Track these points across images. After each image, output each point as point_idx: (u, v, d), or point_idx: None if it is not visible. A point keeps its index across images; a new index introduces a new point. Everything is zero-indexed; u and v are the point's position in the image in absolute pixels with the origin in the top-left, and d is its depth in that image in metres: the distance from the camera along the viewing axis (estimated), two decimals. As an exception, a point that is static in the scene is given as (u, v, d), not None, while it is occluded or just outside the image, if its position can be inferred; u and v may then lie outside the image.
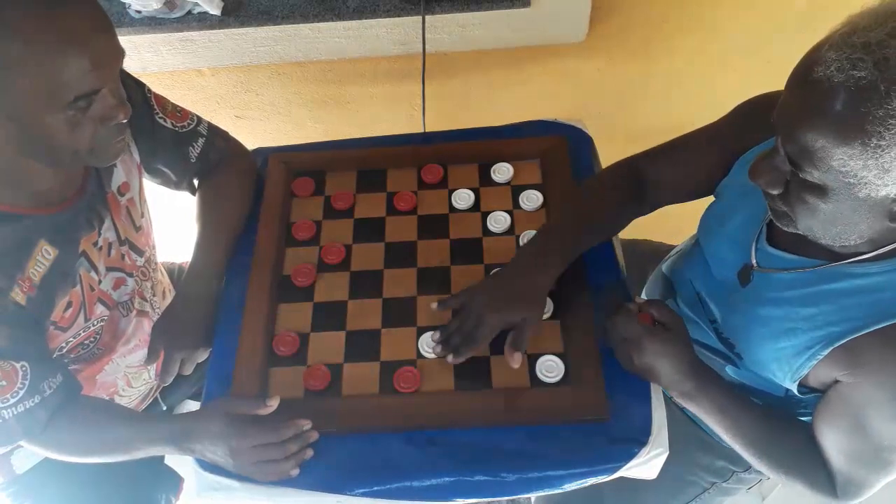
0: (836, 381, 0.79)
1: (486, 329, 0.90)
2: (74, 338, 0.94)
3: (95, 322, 0.96)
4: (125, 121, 0.81)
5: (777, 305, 0.84)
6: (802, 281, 0.82)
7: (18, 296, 0.83)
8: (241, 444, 0.87)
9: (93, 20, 0.74)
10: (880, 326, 0.74)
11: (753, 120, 0.90)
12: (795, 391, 0.85)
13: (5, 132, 0.76)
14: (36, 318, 0.86)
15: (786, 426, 0.88)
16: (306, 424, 0.89)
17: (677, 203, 1.04)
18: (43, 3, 0.70)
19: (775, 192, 0.74)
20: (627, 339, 0.87)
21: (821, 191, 0.68)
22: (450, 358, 0.91)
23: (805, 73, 0.66)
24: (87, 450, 0.93)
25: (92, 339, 0.97)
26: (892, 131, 0.61)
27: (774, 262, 0.86)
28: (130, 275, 1.02)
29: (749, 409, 0.88)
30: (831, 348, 0.78)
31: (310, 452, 0.89)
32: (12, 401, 0.83)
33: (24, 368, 0.83)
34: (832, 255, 0.80)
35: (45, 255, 0.86)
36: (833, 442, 0.82)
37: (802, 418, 0.92)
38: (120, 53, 0.78)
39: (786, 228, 0.77)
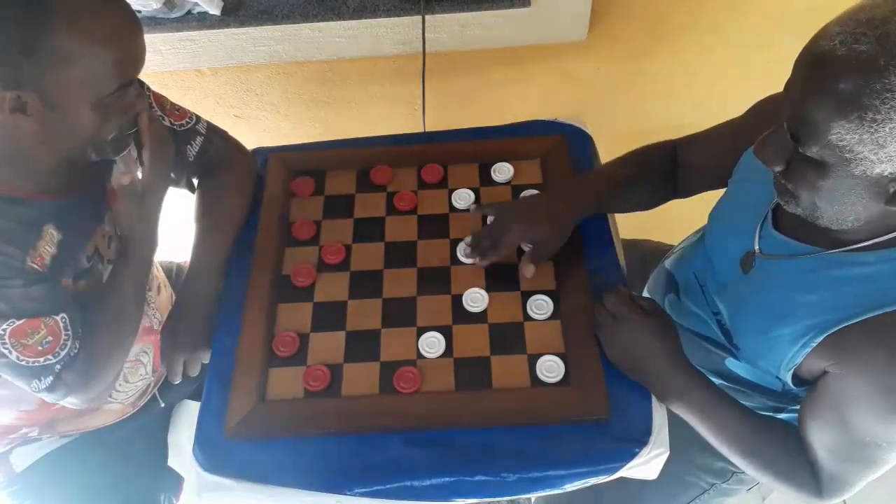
0: (825, 373, 0.80)
1: (511, 237, 0.97)
2: None
3: None
4: (142, 111, 0.89)
5: (776, 292, 0.85)
6: (802, 268, 0.83)
7: (36, 265, 0.86)
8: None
9: (132, 15, 0.82)
10: (867, 317, 0.75)
11: (767, 118, 0.91)
12: (790, 382, 0.85)
13: (38, 122, 0.79)
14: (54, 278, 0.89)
15: (771, 427, 0.89)
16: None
17: (707, 190, 1.08)
18: (99, 1, 0.77)
19: (778, 169, 0.75)
20: (618, 316, 0.89)
21: (819, 167, 0.70)
22: (478, 260, 1.00)
23: (810, 48, 0.68)
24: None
25: None
26: (888, 105, 0.62)
27: (777, 249, 0.87)
28: None
29: (734, 410, 0.88)
30: (823, 336, 0.78)
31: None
32: (62, 353, 0.87)
33: (63, 320, 0.87)
34: (834, 244, 0.80)
35: (51, 238, 0.88)
36: (817, 436, 0.83)
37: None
38: (145, 49, 0.84)
39: (788, 209, 0.79)
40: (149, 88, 1.02)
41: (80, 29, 0.75)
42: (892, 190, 0.68)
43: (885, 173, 0.66)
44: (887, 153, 0.64)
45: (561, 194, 1.02)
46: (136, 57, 0.82)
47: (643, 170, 1.07)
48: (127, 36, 0.80)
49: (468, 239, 1.04)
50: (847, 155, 0.66)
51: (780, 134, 0.73)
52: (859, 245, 0.78)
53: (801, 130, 0.69)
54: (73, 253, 0.90)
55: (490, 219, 1.03)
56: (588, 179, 1.05)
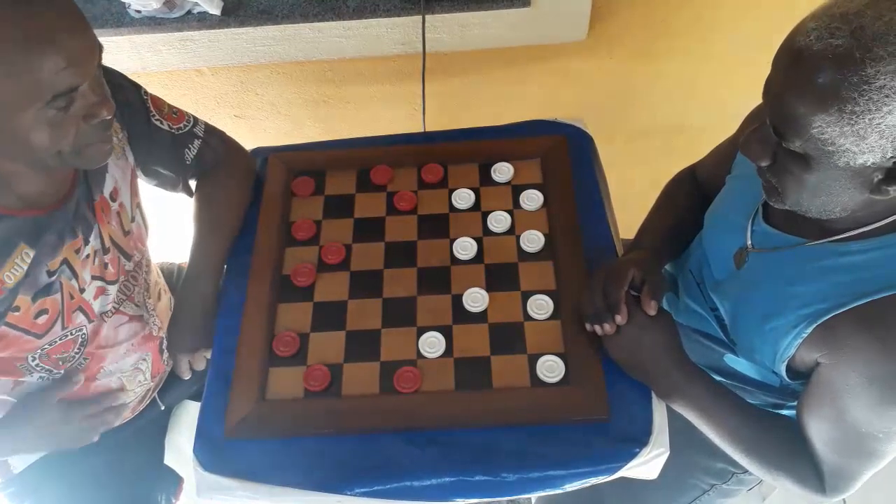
0: (818, 365, 0.80)
1: (616, 294, 0.90)
2: (51, 345, 0.92)
3: (74, 331, 0.94)
4: (109, 117, 0.80)
5: (768, 285, 0.86)
6: (793, 259, 0.84)
7: None
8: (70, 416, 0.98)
9: (63, 17, 0.72)
10: (855, 305, 0.75)
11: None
12: (784, 375, 0.85)
13: None
14: None
15: (772, 423, 0.89)
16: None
17: None
18: (8, 3, 0.69)
19: (763, 164, 0.76)
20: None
21: (804, 161, 0.71)
22: (606, 328, 0.90)
23: (788, 44, 0.69)
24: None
25: (76, 349, 0.96)
26: (866, 97, 0.63)
27: (768, 242, 0.88)
28: (112, 283, 1.00)
29: (735, 405, 0.88)
30: (813, 326, 0.78)
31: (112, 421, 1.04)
32: None
33: None
34: (823, 234, 0.81)
35: (24, 258, 0.84)
36: (816, 430, 0.83)
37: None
38: (97, 49, 0.76)
39: (775, 205, 0.79)
40: (146, 92, 1.01)
41: None
42: (876, 179, 0.69)
43: (868, 163, 0.67)
44: (868, 144, 0.65)
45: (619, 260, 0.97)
46: (71, 62, 0.72)
47: (679, 209, 1.10)
48: (52, 43, 0.70)
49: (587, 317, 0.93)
50: (829, 148, 0.67)
51: (763, 130, 0.74)
52: (847, 234, 0.78)
53: (783, 125, 0.70)
54: (36, 270, 0.86)
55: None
56: (643, 248, 1.04)
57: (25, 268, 0.84)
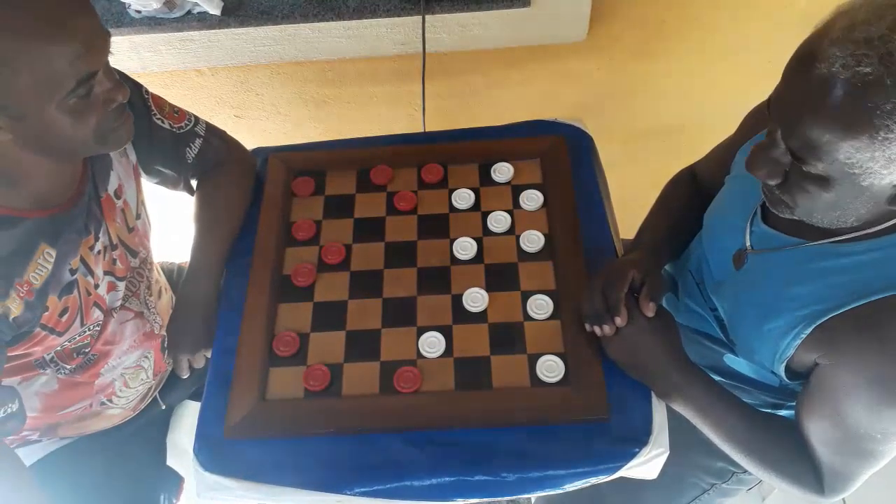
0: (816, 365, 0.80)
1: (616, 294, 0.90)
2: (70, 341, 0.94)
3: (92, 327, 0.96)
4: (125, 101, 0.82)
5: (767, 286, 0.85)
6: (792, 260, 0.84)
7: (15, 303, 0.82)
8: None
9: (74, 4, 0.74)
10: (854, 306, 0.75)
11: (758, 129, 0.92)
12: (783, 375, 0.85)
13: (10, 131, 0.76)
14: (13, 336, 0.85)
15: (770, 424, 0.89)
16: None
17: None
18: None
19: (773, 184, 0.75)
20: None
21: (823, 181, 0.69)
22: (605, 329, 0.90)
23: (806, 68, 0.66)
24: None
25: (86, 343, 0.97)
26: None
27: (767, 243, 0.87)
28: (121, 279, 1.01)
29: (734, 407, 0.88)
30: (812, 327, 0.78)
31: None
32: None
33: None
34: (822, 235, 0.81)
35: (46, 258, 0.86)
36: (814, 431, 0.83)
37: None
38: (107, 34, 0.78)
39: (783, 215, 0.79)
40: (147, 91, 1.01)
41: (7, 30, 0.68)
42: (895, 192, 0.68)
43: (895, 182, 0.66)
44: None
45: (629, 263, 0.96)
46: (88, 47, 0.73)
47: (679, 209, 1.10)
48: (68, 28, 0.71)
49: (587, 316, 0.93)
50: (855, 170, 0.66)
51: (774, 150, 0.72)
52: (849, 236, 0.78)
53: (805, 151, 0.68)
54: (61, 268, 0.88)
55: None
56: (643, 248, 1.03)
57: (50, 267, 0.86)
